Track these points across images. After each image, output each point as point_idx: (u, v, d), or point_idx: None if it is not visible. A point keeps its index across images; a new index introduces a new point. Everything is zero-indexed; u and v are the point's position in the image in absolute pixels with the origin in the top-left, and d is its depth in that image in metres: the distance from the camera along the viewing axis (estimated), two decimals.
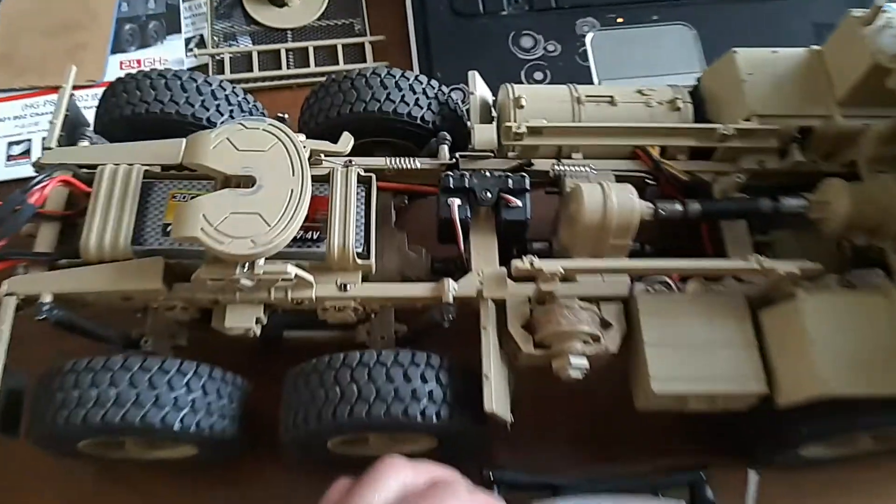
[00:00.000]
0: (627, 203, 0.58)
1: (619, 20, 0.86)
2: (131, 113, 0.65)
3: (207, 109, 0.66)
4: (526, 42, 0.86)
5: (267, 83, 0.90)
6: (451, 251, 0.63)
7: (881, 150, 0.60)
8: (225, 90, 0.68)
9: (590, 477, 0.59)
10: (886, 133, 0.60)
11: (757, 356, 0.55)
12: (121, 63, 0.91)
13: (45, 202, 0.58)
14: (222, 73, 0.89)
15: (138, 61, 0.91)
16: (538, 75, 0.83)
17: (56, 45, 0.92)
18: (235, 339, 0.63)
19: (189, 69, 0.90)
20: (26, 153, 0.83)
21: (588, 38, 0.85)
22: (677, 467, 0.61)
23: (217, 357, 0.62)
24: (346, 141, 0.61)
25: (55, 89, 0.84)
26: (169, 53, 0.91)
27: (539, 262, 0.54)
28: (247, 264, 0.54)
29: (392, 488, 0.42)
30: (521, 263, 0.54)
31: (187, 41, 0.92)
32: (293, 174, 0.55)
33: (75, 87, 0.88)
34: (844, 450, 0.64)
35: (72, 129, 0.66)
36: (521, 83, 0.81)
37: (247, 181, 0.55)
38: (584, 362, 0.55)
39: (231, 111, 0.68)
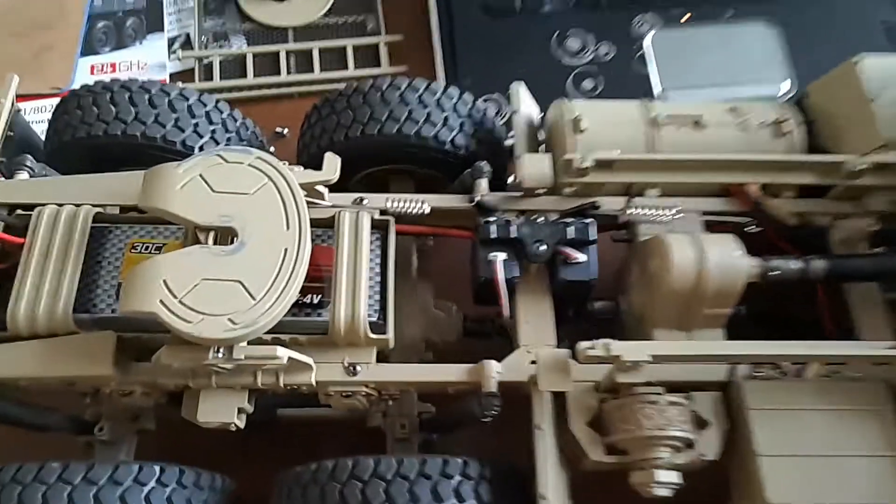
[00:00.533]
0: (730, 264, 0.44)
1: (686, 17, 0.72)
2: (86, 135, 0.52)
3: (182, 130, 0.53)
4: (572, 44, 0.71)
5: (263, 91, 0.77)
6: (491, 310, 0.49)
7: None
8: (205, 105, 0.55)
9: None
10: None
11: None
12: (92, 67, 0.77)
13: None
14: (210, 79, 0.76)
15: (112, 65, 0.78)
16: (588, 84, 0.69)
17: (21, 47, 0.79)
18: None
19: (172, 75, 0.77)
20: None
21: (648, 40, 0.71)
22: None
23: (195, 439, 0.49)
24: (332, 165, 0.46)
25: (19, 98, 0.71)
26: (148, 55, 0.78)
27: (617, 347, 0.40)
28: (223, 347, 0.40)
29: None
30: (593, 349, 0.40)
31: (171, 41, 0.79)
32: (287, 227, 0.41)
33: (37, 97, 0.76)
34: None
35: (18, 151, 0.53)
36: (567, 95, 0.68)
37: (225, 234, 0.41)
38: (674, 478, 0.41)
39: (213, 132, 0.54)
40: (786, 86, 0.68)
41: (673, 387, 0.44)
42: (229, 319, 0.39)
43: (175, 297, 0.39)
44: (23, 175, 0.50)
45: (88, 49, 0.78)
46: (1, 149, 0.53)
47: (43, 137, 0.58)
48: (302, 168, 0.47)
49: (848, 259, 0.47)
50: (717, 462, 0.43)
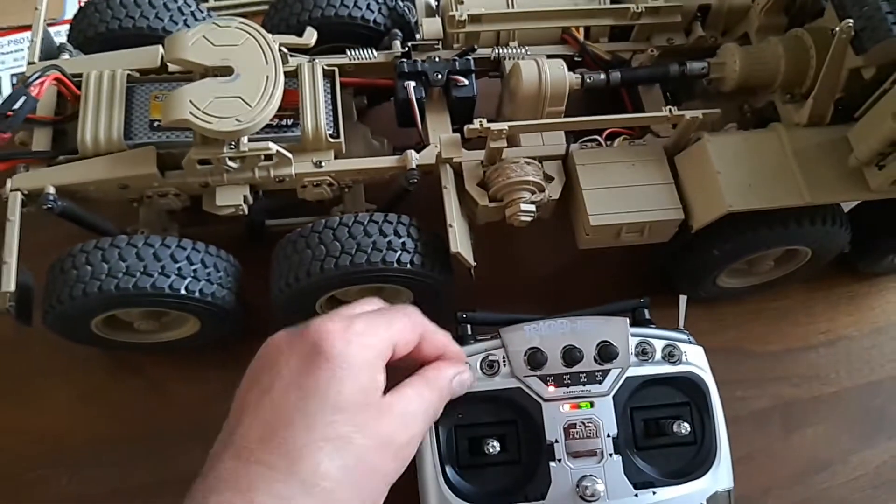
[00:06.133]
0: (559, 74, 0.67)
1: None
2: (105, 29, 0.71)
3: (176, 24, 0.73)
4: None
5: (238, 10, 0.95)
6: (409, 141, 0.72)
7: (766, 21, 0.71)
8: (190, 7, 0.75)
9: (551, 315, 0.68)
10: (769, 6, 0.71)
11: (674, 191, 0.65)
12: (78, 1, 0.95)
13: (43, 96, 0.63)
14: None
15: None
16: None
17: None
18: (223, 234, 0.70)
19: None
20: None
21: None
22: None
23: None
24: (310, 35, 0.68)
25: (16, 29, 0.89)
26: None
27: (487, 123, 0.63)
28: (233, 143, 0.61)
29: (364, 306, 0.48)
30: (473, 125, 0.63)
31: None
32: (267, 63, 0.62)
33: (30, 28, 0.94)
34: (753, 279, 0.76)
35: (44, 58, 0.72)
36: None
37: (225, 72, 0.62)
38: (532, 208, 0.65)
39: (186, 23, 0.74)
40: None
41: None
42: (236, 119, 0.59)
43: (198, 108, 0.59)
44: (65, 55, 0.69)
45: None
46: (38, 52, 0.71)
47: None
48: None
49: (634, 70, 0.71)
50: (559, 203, 0.67)
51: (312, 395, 0.38)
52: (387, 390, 0.42)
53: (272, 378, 0.39)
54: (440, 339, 0.49)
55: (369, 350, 0.41)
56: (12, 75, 0.90)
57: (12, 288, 0.59)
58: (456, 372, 0.49)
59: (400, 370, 0.46)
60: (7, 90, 0.88)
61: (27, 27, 0.93)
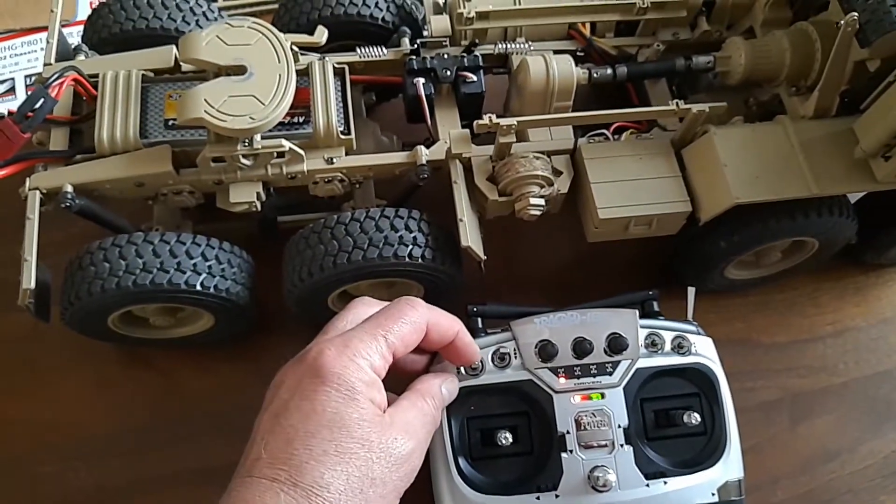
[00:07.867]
0: (567, 69, 0.68)
1: None
2: (119, 30, 0.72)
3: (188, 24, 0.74)
4: None
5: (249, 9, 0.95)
6: (418, 137, 0.72)
7: (771, 15, 0.72)
8: (202, 7, 0.76)
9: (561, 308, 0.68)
10: (774, 0, 0.71)
11: (682, 184, 0.66)
12: (90, 2, 0.96)
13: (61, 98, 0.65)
14: None
15: None
16: None
17: None
18: (235, 231, 0.71)
19: None
20: (11, 91, 0.89)
21: None
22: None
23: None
24: (321, 33, 0.69)
25: (30, 31, 0.90)
26: None
27: (497, 119, 0.64)
28: (246, 140, 0.62)
29: (361, 311, 0.48)
30: (483, 121, 0.63)
31: None
32: (279, 62, 0.63)
33: (44, 30, 0.95)
34: (760, 270, 0.76)
35: (60, 59, 0.73)
36: None
37: (238, 71, 0.63)
38: (541, 202, 0.66)
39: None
40: None
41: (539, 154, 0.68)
42: (250, 117, 0.60)
43: (213, 107, 0.60)
44: (81, 56, 0.70)
45: None
46: (54, 54, 0.72)
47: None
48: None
49: (640, 64, 0.72)
50: (568, 197, 0.68)
51: (312, 416, 0.40)
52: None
53: (277, 404, 0.42)
54: (445, 326, 0.50)
55: (365, 370, 0.42)
56: (26, 76, 0.91)
57: (32, 285, 0.60)
58: (441, 381, 0.51)
59: (399, 381, 0.49)
60: (22, 90, 0.89)
61: (40, 29, 0.95)
